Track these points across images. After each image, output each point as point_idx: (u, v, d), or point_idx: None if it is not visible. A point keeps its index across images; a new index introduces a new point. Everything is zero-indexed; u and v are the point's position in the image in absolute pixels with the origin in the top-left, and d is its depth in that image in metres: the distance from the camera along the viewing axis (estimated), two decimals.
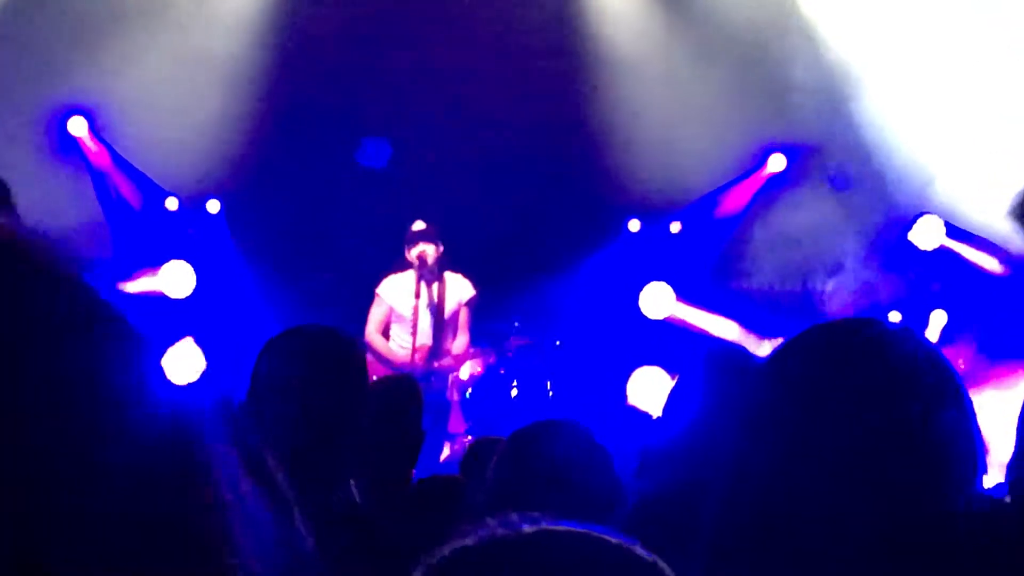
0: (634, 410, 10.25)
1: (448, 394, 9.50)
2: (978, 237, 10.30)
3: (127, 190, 10.79)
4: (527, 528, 1.07)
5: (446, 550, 1.09)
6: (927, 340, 1.86)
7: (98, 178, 10.71)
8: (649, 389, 9.76)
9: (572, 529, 1.07)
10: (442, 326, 9.22)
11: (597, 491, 3.06)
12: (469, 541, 1.08)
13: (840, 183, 10.74)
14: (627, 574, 1.05)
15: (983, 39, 9.60)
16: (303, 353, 3.07)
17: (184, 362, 10.14)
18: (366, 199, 10.91)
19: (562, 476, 3.05)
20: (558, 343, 10.46)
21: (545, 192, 11.09)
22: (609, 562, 1.05)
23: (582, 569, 1.05)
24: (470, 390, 10.15)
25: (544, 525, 1.07)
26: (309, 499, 2.87)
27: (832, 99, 10.30)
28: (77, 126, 10.52)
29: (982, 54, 9.63)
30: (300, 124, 10.79)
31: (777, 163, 11.02)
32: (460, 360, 9.53)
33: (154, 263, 10.64)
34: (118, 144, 10.67)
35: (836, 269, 10.60)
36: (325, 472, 3.01)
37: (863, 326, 1.83)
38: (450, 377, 9.54)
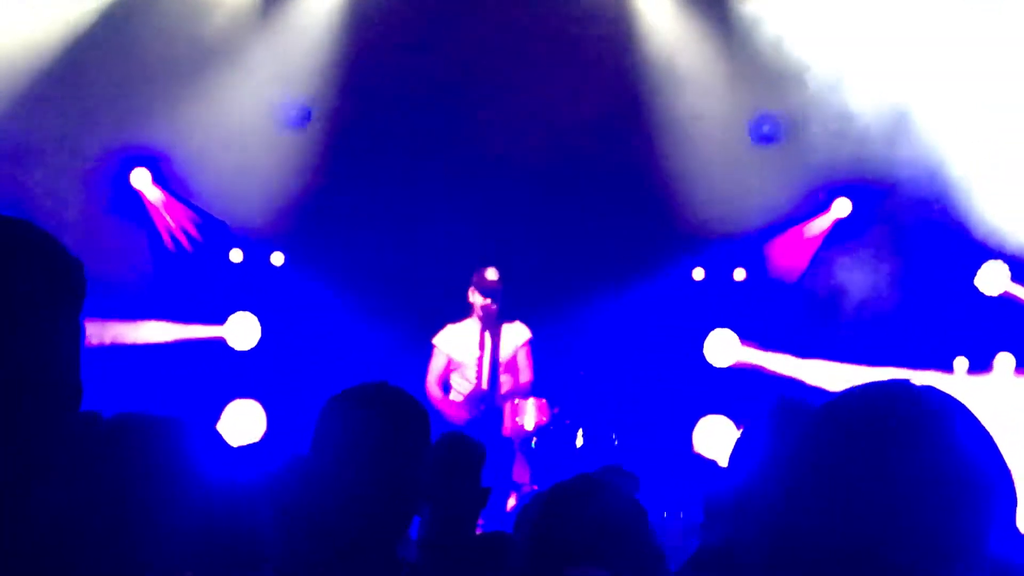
0: (700, 459, 10.17)
1: (513, 443, 9.46)
2: None
3: (189, 241, 10.81)
4: None
5: None
6: (978, 423, 1.80)
7: (156, 229, 10.68)
8: (715, 438, 9.68)
9: None
10: (498, 373, 9.21)
11: (630, 553, 3.03)
12: None
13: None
14: None
15: None
16: (366, 413, 3.04)
17: (245, 421, 10.20)
18: (426, 245, 10.89)
19: (593, 539, 3.03)
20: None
21: (609, 232, 11.03)
22: None
23: None
24: (535, 439, 10.09)
25: None
26: (371, 556, 2.87)
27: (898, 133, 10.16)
28: (139, 177, 10.44)
29: None
30: (361, 170, 10.82)
31: (842, 208, 10.90)
32: (524, 395, 9.48)
33: (217, 315, 10.70)
34: (182, 192, 10.68)
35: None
36: (388, 531, 2.99)
37: (920, 398, 1.79)
38: (514, 426, 9.51)
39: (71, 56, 9.78)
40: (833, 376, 10.21)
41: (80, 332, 2.03)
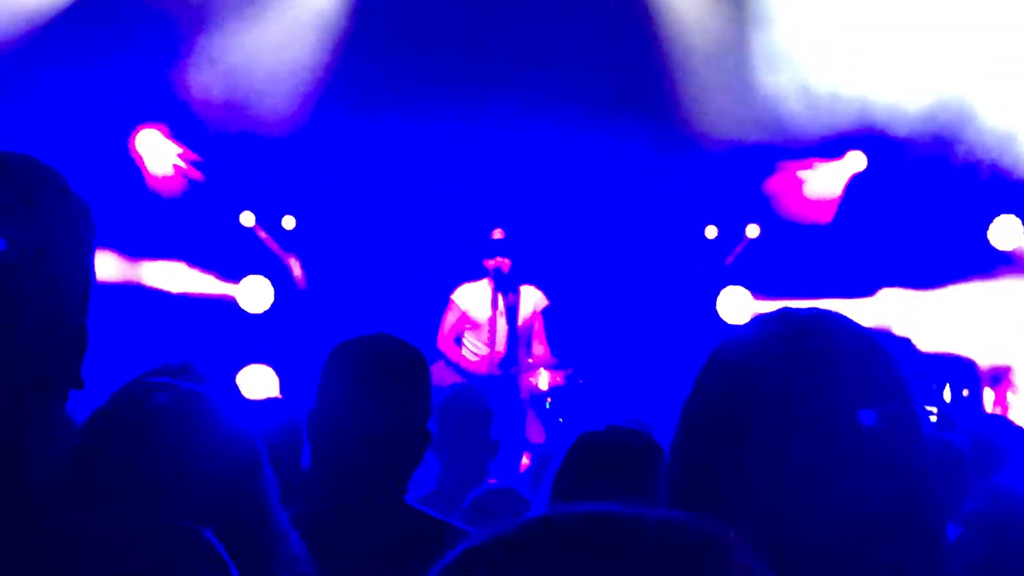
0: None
1: (526, 403, 9.48)
2: None
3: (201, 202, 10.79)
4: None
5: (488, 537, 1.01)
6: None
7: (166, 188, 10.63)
8: None
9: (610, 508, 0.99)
10: (516, 334, 9.22)
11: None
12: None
13: None
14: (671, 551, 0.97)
15: None
16: (364, 361, 3.07)
17: (258, 381, 10.22)
18: (440, 206, 10.87)
19: (617, 483, 3.03)
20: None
21: (622, 194, 10.99)
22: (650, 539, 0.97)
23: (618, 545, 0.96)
24: (549, 400, 10.10)
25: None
26: (373, 505, 2.88)
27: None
28: (146, 138, 10.40)
29: None
30: (373, 136, 10.78)
31: (856, 162, 10.80)
32: (538, 366, 9.51)
33: (230, 276, 10.70)
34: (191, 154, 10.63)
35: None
36: (392, 477, 3.01)
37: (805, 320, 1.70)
38: (529, 386, 9.53)
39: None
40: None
41: (91, 274, 2.02)
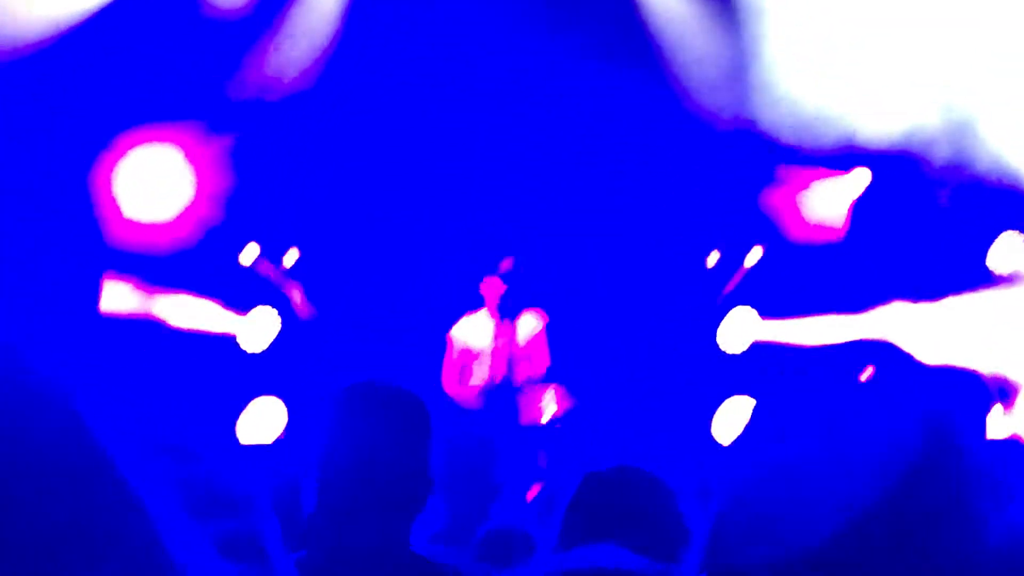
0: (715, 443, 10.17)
1: (531, 432, 9.47)
2: None
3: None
4: None
5: None
6: None
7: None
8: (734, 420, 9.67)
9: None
10: (518, 361, 9.23)
11: (662, 532, 3.03)
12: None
13: None
14: None
15: None
16: (367, 406, 3.09)
17: (264, 418, 10.22)
18: (439, 238, 10.87)
19: (627, 523, 3.04)
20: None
21: (625, 217, 10.98)
22: None
23: None
24: (557, 426, 10.09)
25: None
26: (376, 549, 2.88)
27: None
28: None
29: None
30: (377, 169, 10.78)
31: (862, 178, 10.73)
32: (541, 391, 9.49)
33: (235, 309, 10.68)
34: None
35: None
36: (394, 525, 3.04)
37: None
38: (533, 415, 9.51)
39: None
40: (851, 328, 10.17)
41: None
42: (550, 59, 10.39)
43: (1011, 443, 5.91)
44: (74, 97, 9.27)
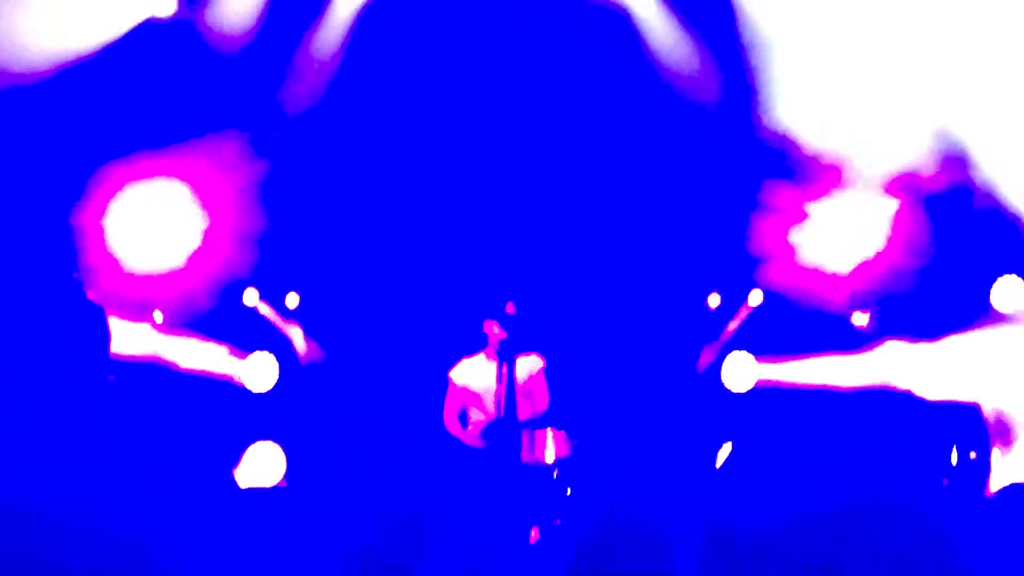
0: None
1: (532, 473, 9.45)
2: None
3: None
4: None
5: None
6: None
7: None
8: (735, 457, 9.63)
9: None
10: (514, 401, 9.24)
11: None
12: None
13: None
14: None
15: None
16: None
17: (265, 463, 10.20)
18: (440, 279, 10.89)
19: (629, 564, 3.05)
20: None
21: (626, 256, 11.00)
22: None
23: None
24: (556, 472, 10.07)
25: None
26: None
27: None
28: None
29: None
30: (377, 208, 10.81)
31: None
32: (542, 433, 9.49)
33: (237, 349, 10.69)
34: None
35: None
36: None
37: None
38: (534, 457, 9.50)
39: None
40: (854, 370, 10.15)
41: None
42: (556, 87, 10.45)
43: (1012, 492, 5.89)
44: (75, 129, 9.32)
